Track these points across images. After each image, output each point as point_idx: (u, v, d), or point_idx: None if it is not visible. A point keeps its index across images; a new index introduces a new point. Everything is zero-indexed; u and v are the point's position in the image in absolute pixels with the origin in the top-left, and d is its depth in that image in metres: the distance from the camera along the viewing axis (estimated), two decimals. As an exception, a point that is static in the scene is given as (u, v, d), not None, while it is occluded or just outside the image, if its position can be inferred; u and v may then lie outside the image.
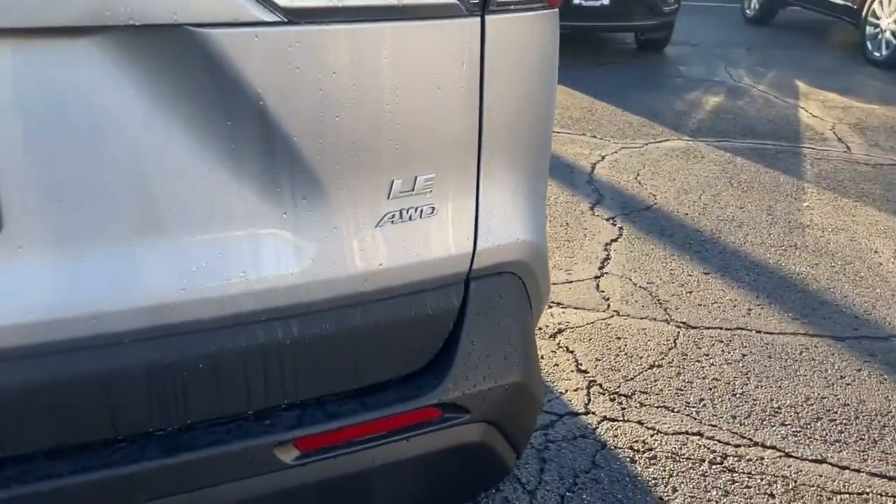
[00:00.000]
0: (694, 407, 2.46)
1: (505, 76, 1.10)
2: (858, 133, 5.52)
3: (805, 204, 4.18)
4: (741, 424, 2.38)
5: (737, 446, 2.28)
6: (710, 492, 2.11)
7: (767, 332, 2.90)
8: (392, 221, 1.06)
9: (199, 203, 0.96)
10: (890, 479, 2.16)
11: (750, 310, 3.06)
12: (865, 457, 2.25)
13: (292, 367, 1.06)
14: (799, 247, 3.65)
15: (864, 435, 2.34)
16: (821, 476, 2.17)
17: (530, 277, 1.26)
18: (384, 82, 0.99)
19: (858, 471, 2.19)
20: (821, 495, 2.10)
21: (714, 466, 2.20)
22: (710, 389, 2.55)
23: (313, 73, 0.95)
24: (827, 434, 2.34)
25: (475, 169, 1.11)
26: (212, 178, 0.96)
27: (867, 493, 2.11)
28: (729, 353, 2.76)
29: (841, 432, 2.36)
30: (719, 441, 2.30)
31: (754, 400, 2.50)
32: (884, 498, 2.09)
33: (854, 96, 6.58)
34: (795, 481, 2.15)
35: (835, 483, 2.14)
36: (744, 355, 2.75)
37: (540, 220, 1.28)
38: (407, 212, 1.06)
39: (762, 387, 2.57)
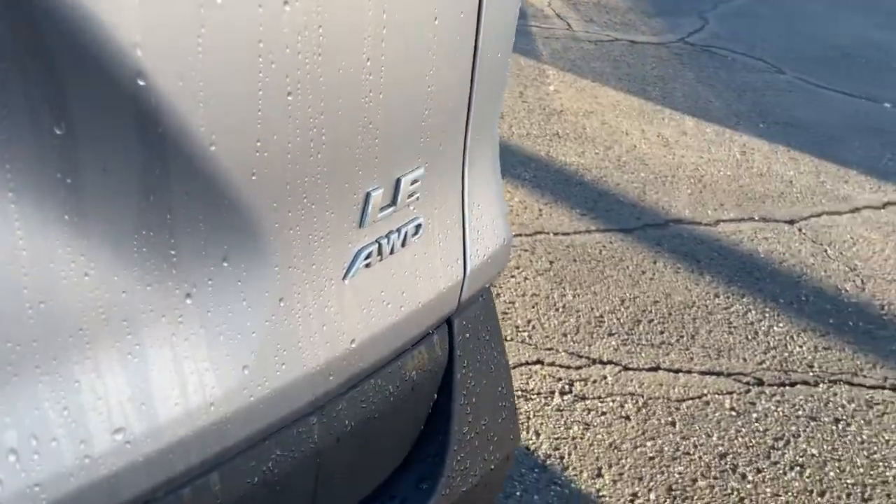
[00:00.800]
0: (525, 331, 2.29)
1: (498, 4, 0.67)
2: (572, 9, 5.64)
3: (552, 88, 4.15)
4: (574, 342, 2.27)
5: (578, 368, 2.17)
6: (571, 428, 1.97)
7: (564, 233, 2.81)
8: (368, 265, 0.60)
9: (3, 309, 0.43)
10: (718, 375, 2.21)
11: (541, 210, 2.94)
12: (691, 355, 2.27)
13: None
14: (561, 135, 3.60)
15: (682, 332, 2.37)
16: (661, 385, 2.14)
17: (494, 282, 0.88)
18: (368, 16, 0.51)
19: (690, 371, 2.21)
20: (669, 407, 2.07)
21: (566, 397, 2.06)
22: (534, 307, 2.39)
23: (246, 7, 0.44)
24: (651, 337, 2.33)
25: (462, 151, 0.68)
26: (30, 251, 0.42)
27: (705, 395, 2.12)
28: (537, 262, 2.62)
29: (661, 332, 2.36)
30: (560, 366, 2.17)
31: (577, 311, 2.40)
32: (721, 397, 2.12)
33: (556, -30, 6.72)
34: (643, 396, 2.09)
35: (675, 391, 2.13)
36: (551, 262, 2.63)
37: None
38: (388, 241, 0.61)
39: (579, 295, 2.48)
